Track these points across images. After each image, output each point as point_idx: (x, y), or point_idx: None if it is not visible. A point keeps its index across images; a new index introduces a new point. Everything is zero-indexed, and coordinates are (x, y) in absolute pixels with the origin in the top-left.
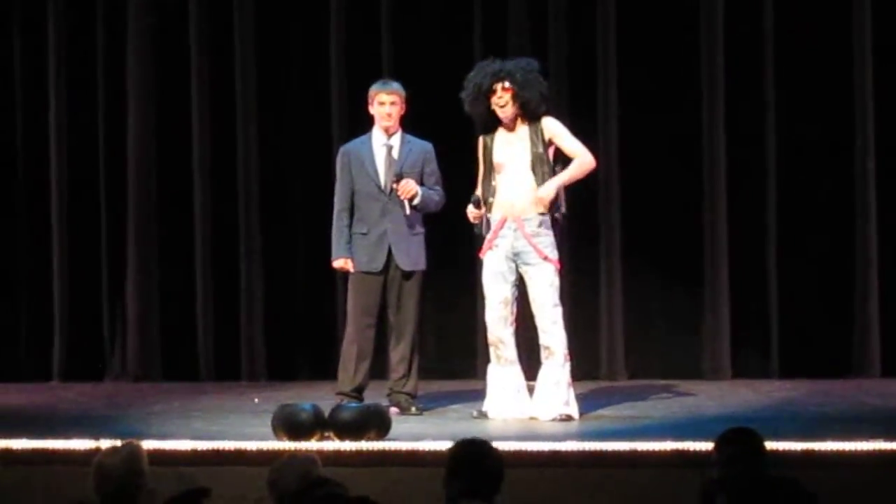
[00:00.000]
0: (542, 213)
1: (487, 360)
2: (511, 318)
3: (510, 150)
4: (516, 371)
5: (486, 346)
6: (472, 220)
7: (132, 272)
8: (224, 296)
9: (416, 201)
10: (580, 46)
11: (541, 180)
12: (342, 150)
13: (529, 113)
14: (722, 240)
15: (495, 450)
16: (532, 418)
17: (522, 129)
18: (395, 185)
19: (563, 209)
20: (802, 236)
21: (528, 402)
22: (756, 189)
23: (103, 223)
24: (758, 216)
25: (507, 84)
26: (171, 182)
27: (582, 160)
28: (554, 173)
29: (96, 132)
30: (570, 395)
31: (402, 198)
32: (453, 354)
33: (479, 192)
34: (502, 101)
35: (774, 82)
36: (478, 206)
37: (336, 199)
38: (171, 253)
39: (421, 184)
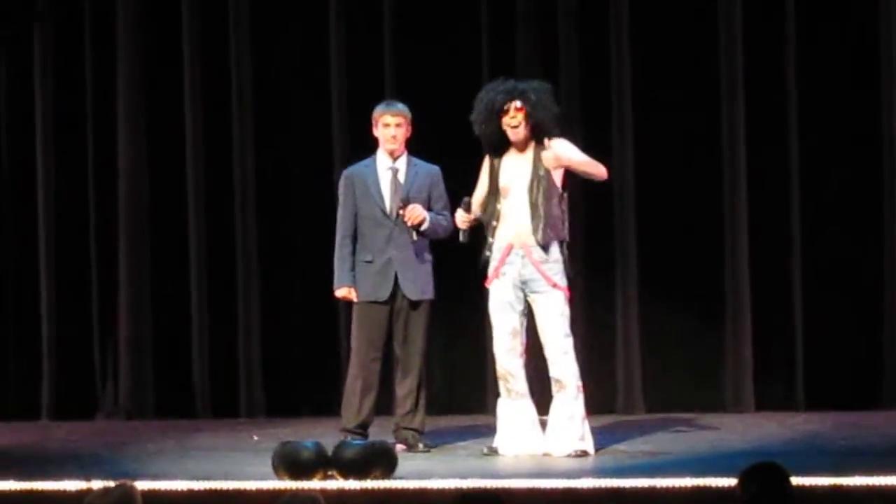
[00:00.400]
0: (547, 243)
1: (497, 394)
2: (521, 350)
3: (516, 173)
4: (528, 405)
5: (495, 379)
6: (459, 224)
7: (124, 305)
8: (221, 328)
9: (423, 227)
10: (592, 53)
11: (536, 198)
12: (345, 173)
13: (541, 135)
14: (744, 264)
15: (499, 499)
16: (545, 454)
17: (530, 153)
18: (401, 211)
19: (567, 236)
20: (828, 265)
21: (540, 437)
22: (779, 215)
23: (92, 255)
24: (781, 242)
25: (519, 103)
26: (163, 213)
27: (596, 162)
28: (557, 198)
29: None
30: (585, 429)
31: (408, 224)
32: (462, 388)
33: (473, 199)
34: (514, 122)
35: (796, 83)
36: (467, 209)
37: (339, 226)
38: (165, 285)
39: (428, 209)
